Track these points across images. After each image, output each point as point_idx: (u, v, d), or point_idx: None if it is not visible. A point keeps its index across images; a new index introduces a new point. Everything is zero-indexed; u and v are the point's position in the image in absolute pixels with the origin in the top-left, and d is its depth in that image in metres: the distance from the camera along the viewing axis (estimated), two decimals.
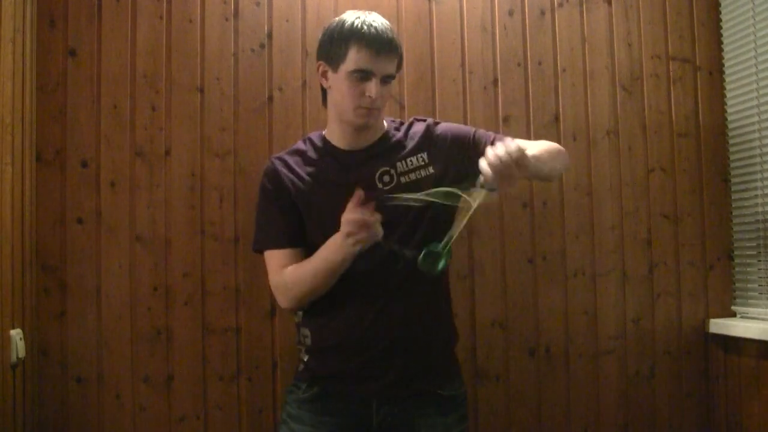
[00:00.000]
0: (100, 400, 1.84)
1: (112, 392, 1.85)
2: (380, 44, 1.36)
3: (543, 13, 2.15)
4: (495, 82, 2.11)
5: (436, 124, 1.53)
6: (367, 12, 1.42)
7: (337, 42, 1.39)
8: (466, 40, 2.10)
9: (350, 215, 1.27)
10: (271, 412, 1.91)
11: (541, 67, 2.14)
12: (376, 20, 1.40)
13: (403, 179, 1.42)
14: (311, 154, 1.49)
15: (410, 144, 1.47)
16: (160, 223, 1.90)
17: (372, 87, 1.37)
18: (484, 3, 2.11)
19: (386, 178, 1.43)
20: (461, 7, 2.10)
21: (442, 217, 1.37)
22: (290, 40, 2.00)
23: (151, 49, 1.92)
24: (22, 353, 1.69)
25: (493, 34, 2.12)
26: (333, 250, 1.34)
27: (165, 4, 1.94)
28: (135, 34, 1.92)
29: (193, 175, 1.93)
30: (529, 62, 2.13)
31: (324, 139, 1.50)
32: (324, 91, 1.49)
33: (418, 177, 1.43)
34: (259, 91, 1.98)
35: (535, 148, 1.43)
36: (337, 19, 1.43)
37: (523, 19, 2.14)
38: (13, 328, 1.68)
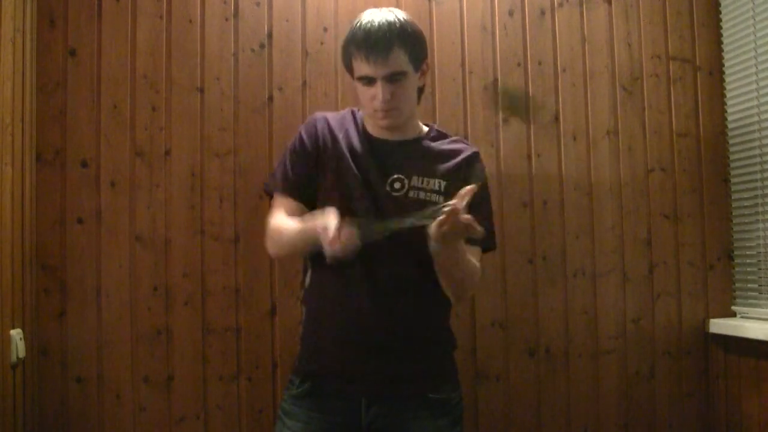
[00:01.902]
0: (100, 400, 1.84)
1: (112, 392, 1.85)
2: (369, 47, 1.33)
3: (543, 13, 2.15)
4: (495, 82, 2.11)
5: (479, 161, 1.50)
6: (377, 10, 1.37)
7: (344, 49, 1.40)
8: (466, 40, 2.10)
9: (326, 224, 1.23)
10: (271, 412, 1.90)
11: (541, 67, 2.14)
12: (377, 18, 1.35)
13: (411, 193, 1.41)
14: (350, 126, 1.48)
15: (438, 162, 1.45)
16: (160, 223, 1.90)
17: (377, 91, 1.36)
18: (484, 3, 2.11)
19: (397, 185, 1.42)
20: (461, 7, 2.10)
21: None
22: (290, 40, 2.00)
23: (151, 49, 1.93)
24: (22, 353, 1.69)
25: (493, 34, 2.12)
26: (311, 227, 1.30)
27: (165, 4, 1.94)
28: (135, 34, 1.92)
29: (193, 175, 1.93)
30: (529, 62, 2.13)
31: (362, 119, 1.50)
32: None
33: (426, 199, 1.40)
34: (259, 91, 1.98)
35: (469, 256, 1.38)
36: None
37: (523, 19, 2.14)
38: (13, 328, 1.68)
